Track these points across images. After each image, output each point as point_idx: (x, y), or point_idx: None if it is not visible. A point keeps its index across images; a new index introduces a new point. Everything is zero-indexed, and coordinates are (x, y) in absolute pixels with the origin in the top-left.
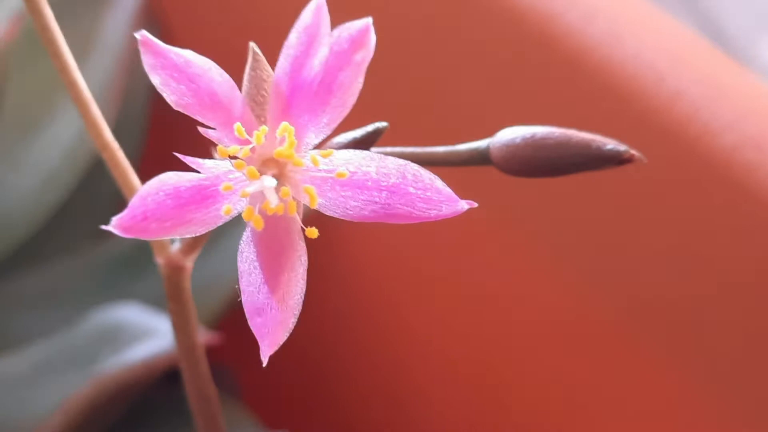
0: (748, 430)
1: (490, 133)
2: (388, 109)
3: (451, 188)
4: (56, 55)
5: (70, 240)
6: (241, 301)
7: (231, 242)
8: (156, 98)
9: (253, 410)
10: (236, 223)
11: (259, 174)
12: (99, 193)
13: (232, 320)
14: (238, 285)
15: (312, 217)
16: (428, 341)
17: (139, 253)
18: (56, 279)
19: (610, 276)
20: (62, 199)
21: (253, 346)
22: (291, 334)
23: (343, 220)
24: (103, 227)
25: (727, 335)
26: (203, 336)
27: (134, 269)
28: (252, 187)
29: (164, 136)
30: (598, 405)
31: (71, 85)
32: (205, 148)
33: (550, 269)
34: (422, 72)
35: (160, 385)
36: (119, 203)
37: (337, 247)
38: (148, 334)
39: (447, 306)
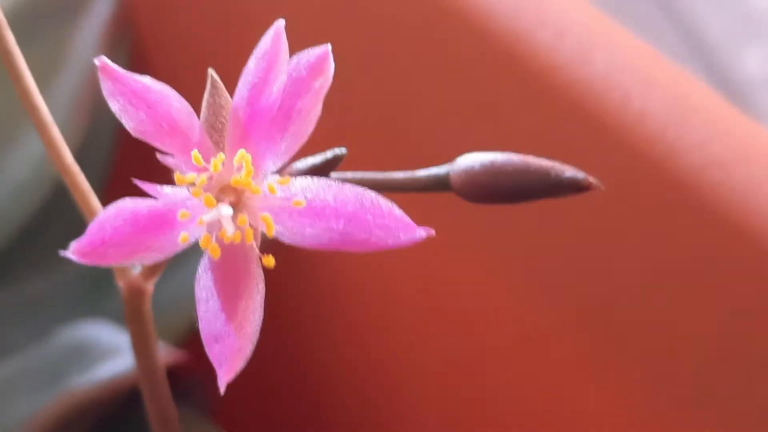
0: None
1: (455, 155)
2: (348, 135)
3: (412, 213)
4: (18, 79)
5: (41, 256)
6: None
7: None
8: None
9: (223, 426)
10: None
11: (216, 201)
12: (70, 209)
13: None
14: (195, 312)
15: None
16: (402, 359)
17: (109, 270)
18: (26, 295)
19: (578, 295)
20: (33, 215)
21: None
22: (263, 350)
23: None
24: (61, 253)
25: (695, 353)
26: (170, 354)
27: (105, 286)
28: (208, 216)
29: (133, 153)
30: (565, 424)
31: (33, 110)
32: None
33: (518, 287)
34: (385, 95)
35: (128, 402)
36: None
37: (308, 265)
38: (116, 352)
39: (419, 323)
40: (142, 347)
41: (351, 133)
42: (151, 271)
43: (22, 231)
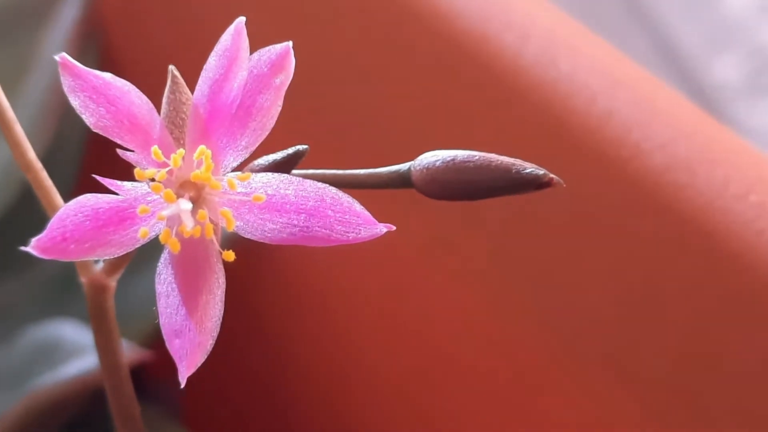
0: None
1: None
2: (309, 132)
3: (376, 212)
4: None
5: (8, 258)
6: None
7: None
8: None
9: (190, 427)
10: None
11: (176, 197)
12: (38, 211)
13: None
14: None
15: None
16: (370, 360)
17: (76, 272)
18: None
19: (541, 298)
20: (0, 218)
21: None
22: (231, 352)
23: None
24: (23, 248)
25: (659, 354)
26: (137, 354)
27: (72, 287)
28: (168, 210)
29: (103, 156)
30: (529, 427)
31: None
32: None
33: (481, 288)
34: (348, 94)
35: (95, 402)
36: None
37: (277, 266)
38: (82, 351)
39: (388, 324)
40: (104, 343)
41: (313, 132)
42: (113, 267)
43: None
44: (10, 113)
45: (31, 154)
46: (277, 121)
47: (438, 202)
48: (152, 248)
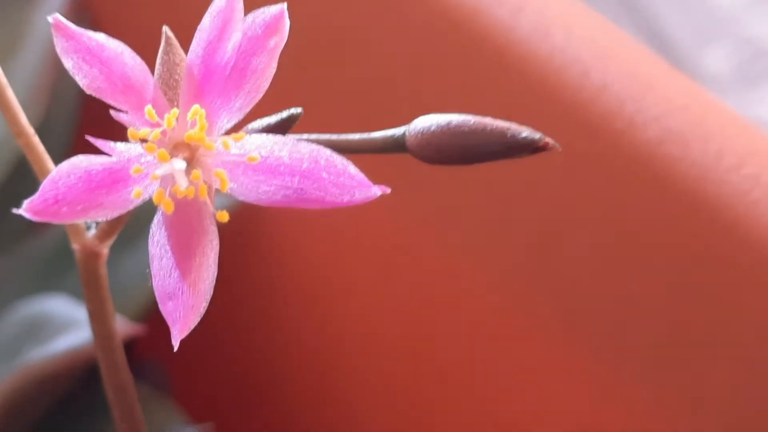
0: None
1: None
2: (303, 96)
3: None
4: None
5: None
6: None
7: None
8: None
9: (182, 405)
10: None
11: (169, 156)
12: (28, 187)
13: (161, 316)
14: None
15: (244, 211)
16: (359, 336)
17: (69, 247)
18: None
19: (533, 268)
20: None
21: (183, 340)
22: (223, 328)
23: (276, 214)
24: (15, 210)
25: (650, 327)
26: (129, 327)
27: (64, 263)
28: (161, 170)
29: (96, 126)
30: (520, 404)
31: None
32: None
33: (478, 264)
34: (340, 59)
35: (86, 379)
36: None
37: (268, 240)
38: (74, 325)
39: (378, 300)
40: (97, 312)
41: (306, 96)
42: (105, 233)
43: None
44: (3, 79)
45: (23, 120)
46: (270, 85)
47: (438, 175)
48: (144, 221)
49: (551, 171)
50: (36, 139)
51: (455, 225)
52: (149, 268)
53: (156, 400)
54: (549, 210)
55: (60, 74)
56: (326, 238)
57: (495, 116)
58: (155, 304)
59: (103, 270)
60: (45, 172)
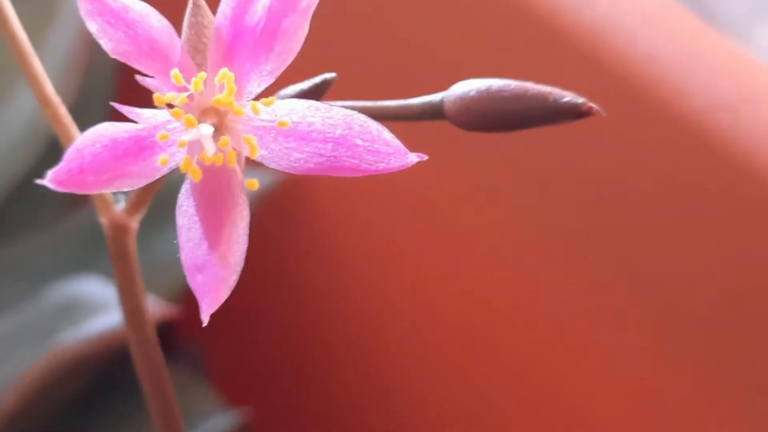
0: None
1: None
2: (337, 61)
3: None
4: (6, 28)
5: (34, 213)
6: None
7: None
8: (121, 73)
9: (219, 388)
10: None
11: (197, 122)
12: None
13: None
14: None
15: (283, 186)
16: (404, 320)
17: (101, 228)
18: (20, 253)
19: (586, 246)
20: (24, 176)
21: (220, 323)
22: (261, 309)
23: (316, 190)
24: (38, 181)
25: (705, 294)
26: (164, 308)
27: (96, 244)
28: (188, 135)
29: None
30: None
31: (19, 54)
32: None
33: (535, 243)
34: (376, 23)
35: (119, 359)
36: None
37: (314, 226)
38: (107, 307)
39: (430, 286)
40: (126, 286)
41: (340, 61)
42: (134, 206)
43: (14, 190)
44: (27, 47)
45: (50, 90)
46: (302, 50)
47: (479, 149)
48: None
49: (597, 140)
50: (63, 110)
51: (498, 192)
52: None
53: (193, 383)
54: (594, 179)
55: (94, 52)
56: (366, 212)
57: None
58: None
59: (132, 244)
60: (69, 140)
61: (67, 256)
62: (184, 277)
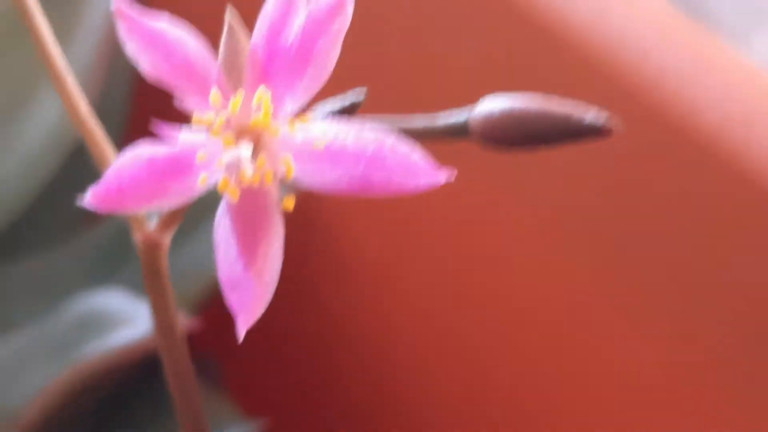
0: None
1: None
2: (365, 79)
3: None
4: (37, 35)
5: (53, 227)
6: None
7: (212, 227)
8: (140, 81)
9: (237, 400)
10: (217, 207)
11: (235, 142)
12: (82, 179)
13: (215, 310)
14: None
15: (302, 201)
16: (416, 331)
17: (123, 240)
18: (39, 266)
19: (603, 252)
20: (45, 186)
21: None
22: (277, 321)
23: (339, 208)
24: (78, 201)
25: (718, 312)
26: (184, 322)
27: (118, 256)
28: (228, 156)
29: (148, 120)
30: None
31: (47, 60)
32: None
33: (552, 243)
34: (398, 41)
35: (142, 372)
36: None
37: (324, 235)
38: (129, 320)
39: (437, 295)
40: (159, 303)
41: (368, 78)
42: (167, 223)
43: (35, 201)
44: (63, 67)
45: (84, 108)
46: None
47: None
48: (195, 213)
49: (611, 157)
50: (97, 127)
51: (514, 207)
52: (212, 256)
53: (210, 394)
54: (609, 195)
55: (113, 62)
56: (384, 224)
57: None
58: (209, 297)
59: (165, 261)
60: (105, 161)
61: (86, 270)
62: (201, 289)
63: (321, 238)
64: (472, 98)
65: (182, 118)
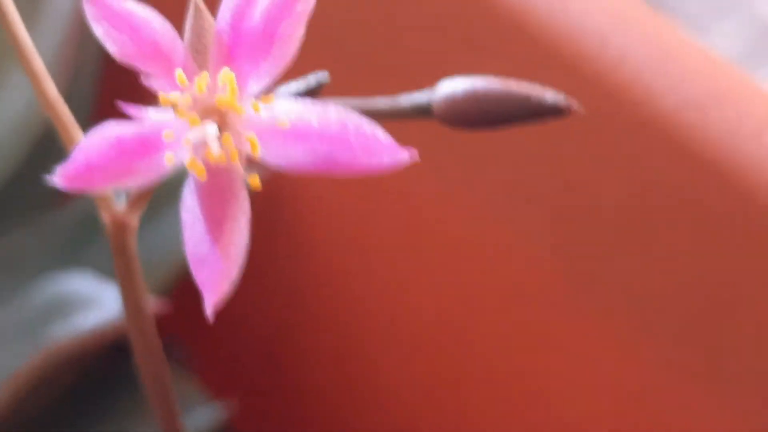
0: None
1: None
2: (329, 62)
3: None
4: (4, 18)
5: (21, 210)
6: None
7: (177, 209)
8: (108, 65)
9: (203, 382)
10: (182, 188)
11: (201, 122)
12: (50, 162)
13: (182, 292)
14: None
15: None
16: (382, 312)
17: (88, 222)
18: (7, 249)
19: (560, 237)
20: (13, 170)
21: (204, 319)
22: (243, 304)
23: (297, 188)
24: (46, 178)
25: (675, 301)
26: (152, 304)
27: (83, 238)
28: (194, 134)
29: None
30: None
31: (15, 41)
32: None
33: (501, 229)
34: (359, 22)
35: (110, 355)
36: None
37: (290, 217)
38: (98, 303)
39: (403, 276)
40: (128, 283)
41: (332, 60)
42: (135, 203)
43: (2, 187)
44: (32, 48)
45: (53, 90)
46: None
47: (455, 139)
48: (161, 195)
49: (572, 138)
50: (65, 109)
51: (477, 190)
52: (178, 238)
53: (178, 376)
54: (569, 178)
55: (80, 45)
56: (350, 207)
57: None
58: (175, 279)
59: (133, 241)
60: (72, 143)
61: (54, 252)
62: (168, 271)
63: (289, 217)
64: (431, 82)
65: (150, 100)
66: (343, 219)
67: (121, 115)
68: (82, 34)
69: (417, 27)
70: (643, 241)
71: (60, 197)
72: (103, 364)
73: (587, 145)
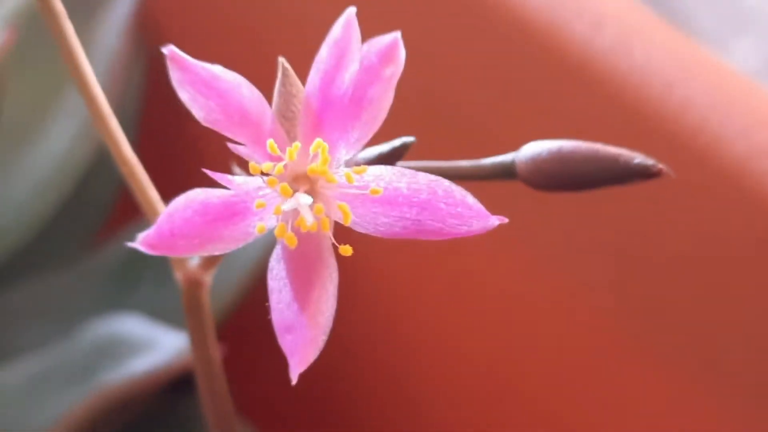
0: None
1: (494, 145)
2: (407, 123)
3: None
4: (75, 68)
5: (63, 251)
6: (240, 311)
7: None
8: (147, 108)
9: (252, 422)
10: None
11: (292, 191)
12: (92, 203)
13: (231, 331)
14: (268, 303)
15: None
16: (438, 360)
17: (133, 263)
18: (49, 290)
19: (620, 288)
20: (55, 210)
21: (254, 357)
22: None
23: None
24: (129, 244)
25: (738, 345)
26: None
27: (129, 280)
28: (287, 205)
29: (155, 146)
30: (596, 403)
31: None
32: (194, 161)
33: (559, 278)
34: (428, 85)
35: (161, 398)
36: (113, 213)
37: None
38: (148, 346)
39: (462, 325)
40: (199, 339)
41: (411, 122)
42: (209, 262)
43: (44, 225)
44: (107, 109)
45: (128, 149)
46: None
47: (512, 196)
48: None
49: (634, 188)
50: (140, 168)
51: (536, 242)
52: (222, 283)
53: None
54: (634, 228)
55: (123, 91)
56: (406, 260)
57: (576, 134)
58: (225, 321)
59: (206, 298)
60: (148, 201)
61: (96, 293)
62: (219, 312)
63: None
64: (499, 140)
65: (188, 148)
66: (400, 272)
67: (169, 135)
68: (125, 75)
69: (482, 83)
70: (709, 289)
71: (97, 240)
72: (154, 407)
73: (652, 193)
